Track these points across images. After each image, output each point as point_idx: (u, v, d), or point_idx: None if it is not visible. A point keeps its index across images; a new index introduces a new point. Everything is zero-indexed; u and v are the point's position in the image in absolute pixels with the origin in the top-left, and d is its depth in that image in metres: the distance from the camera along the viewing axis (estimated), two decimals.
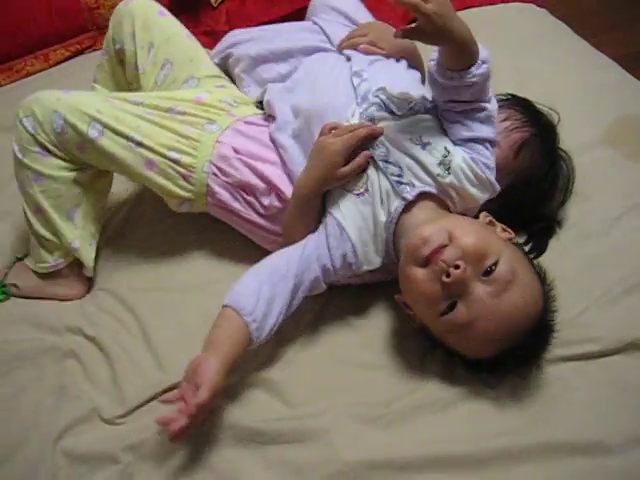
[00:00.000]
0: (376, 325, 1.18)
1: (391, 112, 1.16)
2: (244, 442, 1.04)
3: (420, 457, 0.99)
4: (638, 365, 1.05)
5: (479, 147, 1.12)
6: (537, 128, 1.26)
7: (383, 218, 1.11)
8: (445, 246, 1.00)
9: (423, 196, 1.12)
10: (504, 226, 1.12)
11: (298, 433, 1.03)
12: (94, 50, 1.76)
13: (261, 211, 1.22)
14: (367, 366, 1.12)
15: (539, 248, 1.22)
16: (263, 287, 1.07)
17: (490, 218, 1.12)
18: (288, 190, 1.19)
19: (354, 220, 1.12)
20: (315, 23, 1.44)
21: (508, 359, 1.02)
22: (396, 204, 1.11)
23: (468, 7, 1.74)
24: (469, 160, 1.11)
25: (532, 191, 1.23)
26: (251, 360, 1.13)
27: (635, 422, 0.99)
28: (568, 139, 1.32)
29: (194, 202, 1.26)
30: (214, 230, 1.33)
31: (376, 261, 1.13)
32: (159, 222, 1.39)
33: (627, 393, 1.03)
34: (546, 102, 1.41)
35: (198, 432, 1.03)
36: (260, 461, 1.02)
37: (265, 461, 1.02)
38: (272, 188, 1.21)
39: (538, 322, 1.01)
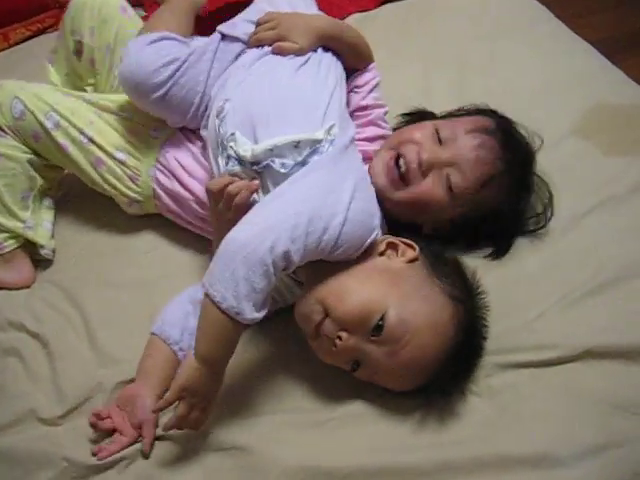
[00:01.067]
0: None
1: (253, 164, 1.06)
2: (183, 450, 1.01)
3: (362, 467, 0.94)
4: (593, 374, 1.00)
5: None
6: (510, 164, 1.11)
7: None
8: (324, 319, 0.97)
9: None
10: (407, 242, 1.05)
11: (237, 439, 1.00)
12: (56, 30, 1.69)
13: (202, 217, 1.22)
14: (312, 369, 1.08)
15: (500, 253, 1.16)
16: (189, 318, 1.09)
17: (389, 240, 1.05)
18: None
19: None
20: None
21: (431, 388, 0.99)
22: None
23: None
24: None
25: (492, 221, 1.13)
26: None
27: (587, 433, 0.94)
28: (540, 129, 1.25)
29: (144, 204, 1.28)
30: (168, 227, 1.30)
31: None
32: (113, 216, 1.34)
33: (581, 403, 0.98)
34: (517, 88, 1.36)
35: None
36: (199, 470, 0.99)
37: (203, 469, 0.99)
38: (200, 202, 1.20)
39: (453, 351, 0.97)
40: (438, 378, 0.97)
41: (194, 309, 1.07)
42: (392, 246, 1.04)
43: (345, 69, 1.23)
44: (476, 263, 1.14)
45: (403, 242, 1.05)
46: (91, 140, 1.23)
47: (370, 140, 1.20)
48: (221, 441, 1.00)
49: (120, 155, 1.24)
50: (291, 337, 1.10)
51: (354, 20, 1.69)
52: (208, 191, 1.05)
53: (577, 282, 1.10)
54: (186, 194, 1.22)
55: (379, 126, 1.22)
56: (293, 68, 1.16)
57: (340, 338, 0.95)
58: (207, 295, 0.92)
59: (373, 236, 1.03)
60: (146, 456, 1.00)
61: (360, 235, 1.00)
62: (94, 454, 1.00)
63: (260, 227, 0.94)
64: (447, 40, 1.60)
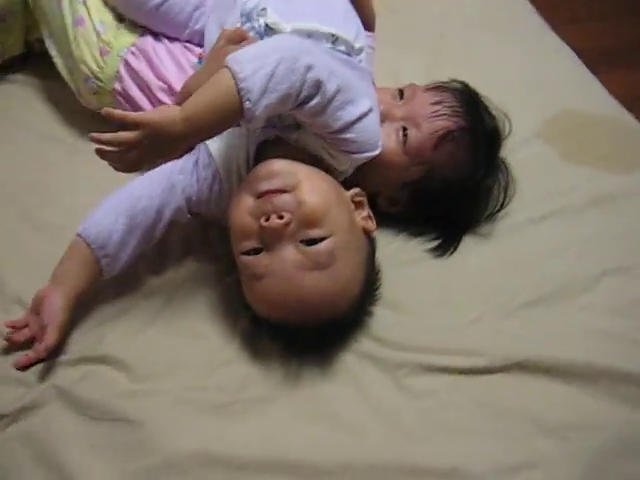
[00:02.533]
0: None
1: None
2: (75, 413, 0.92)
3: (258, 458, 0.87)
4: (519, 388, 0.94)
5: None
6: (470, 123, 1.08)
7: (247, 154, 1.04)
8: (285, 192, 0.92)
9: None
10: (371, 214, 1.02)
11: (131, 412, 0.91)
12: None
13: None
14: (225, 347, 1.00)
15: (446, 249, 1.10)
16: (119, 219, 1.00)
17: (361, 199, 1.02)
18: None
19: (226, 150, 1.04)
20: None
21: (291, 335, 0.96)
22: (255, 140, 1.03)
23: None
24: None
25: (448, 192, 1.08)
26: (91, 330, 1.01)
27: (503, 450, 0.88)
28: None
29: (101, 86, 1.22)
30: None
31: None
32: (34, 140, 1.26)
33: (501, 417, 0.92)
34: (488, 81, 1.28)
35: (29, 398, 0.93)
36: (87, 436, 0.90)
37: (91, 437, 0.90)
38: (167, 90, 1.17)
39: (333, 317, 0.94)
40: (306, 331, 0.95)
41: (128, 211, 1.01)
42: (359, 204, 1.01)
43: None
44: (418, 255, 1.10)
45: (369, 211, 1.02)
46: (84, 2, 1.22)
47: None
48: (110, 409, 0.92)
49: (100, 27, 1.21)
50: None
51: None
52: (223, 32, 1.03)
53: (518, 291, 1.05)
54: (154, 79, 1.18)
55: None
56: None
57: (281, 217, 0.90)
58: (229, 68, 0.87)
59: (373, 152, 1.01)
60: (40, 360, 0.94)
61: (369, 136, 1.00)
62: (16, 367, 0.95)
63: (305, 48, 0.92)
64: (424, 23, 1.52)
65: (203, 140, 0.97)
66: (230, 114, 0.88)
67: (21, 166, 1.24)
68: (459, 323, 1.01)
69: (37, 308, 0.97)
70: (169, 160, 0.97)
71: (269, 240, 0.91)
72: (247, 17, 1.07)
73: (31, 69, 1.38)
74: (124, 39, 1.22)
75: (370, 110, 0.99)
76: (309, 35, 1.03)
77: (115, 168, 0.91)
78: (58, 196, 1.19)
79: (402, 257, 1.10)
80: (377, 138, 1.02)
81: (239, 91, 0.86)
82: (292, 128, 1.01)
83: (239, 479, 0.86)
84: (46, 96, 1.35)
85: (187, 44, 1.22)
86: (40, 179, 1.21)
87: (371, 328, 1.02)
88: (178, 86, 1.13)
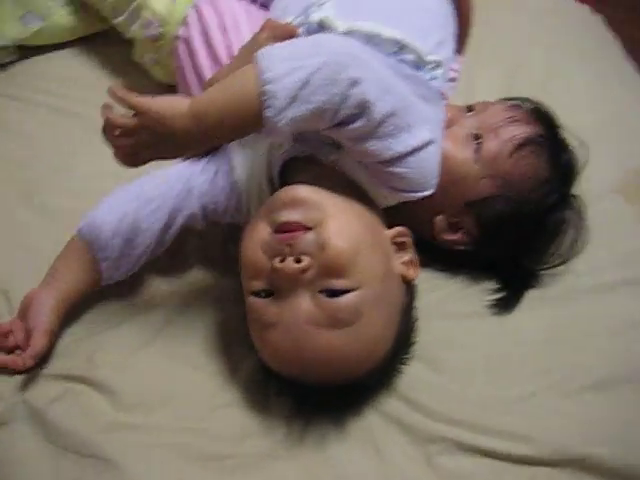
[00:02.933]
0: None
1: None
2: (44, 438, 0.79)
3: None
4: None
5: None
6: (549, 136, 0.95)
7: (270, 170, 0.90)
8: (308, 229, 0.76)
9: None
10: (415, 259, 0.85)
11: (107, 449, 0.77)
12: None
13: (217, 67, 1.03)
14: (229, 385, 0.86)
15: (509, 304, 0.94)
16: (125, 220, 0.88)
17: (405, 239, 0.85)
18: None
19: (249, 162, 0.91)
20: None
21: (301, 392, 0.81)
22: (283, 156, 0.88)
23: None
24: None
25: (519, 218, 0.92)
26: (80, 342, 0.88)
27: None
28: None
29: (163, 32, 1.09)
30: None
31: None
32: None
33: None
34: (568, 114, 1.13)
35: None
36: (51, 469, 0.77)
37: (56, 471, 0.77)
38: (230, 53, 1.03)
39: (352, 380, 0.79)
40: (310, 388, 0.80)
41: (136, 212, 0.89)
42: (402, 245, 0.85)
43: None
44: (468, 308, 0.95)
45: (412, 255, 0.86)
46: None
47: None
48: (84, 441, 0.78)
49: None
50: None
51: None
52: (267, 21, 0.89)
53: (581, 368, 0.88)
54: (219, 34, 1.05)
55: None
56: None
57: (298, 261, 0.74)
58: (256, 63, 0.72)
59: (425, 193, 0.84)
60: (21, 372, 0.82)
61: (424, 174, 0.83)
62: None
63: (356, 55, 0.75)
64: (501, 37, 1.36)
65: (211, 145, 0.83)
66: (246, 120, 0.73)
67: (32, 141, 1.12)
68: (507, 397, 0.86)
69: (24, 311, 0.85)
70: (170, 159, 0.82)
71: (282, 285, 0.76)
72: (303, 11, 0.91)
73: None
74: None
75: (430, 142, 0.81)
76: (368, 39, 0.85)
77: (115, 158, 0.78)
78: (67, 176, 1.06)
79: (448, 307, 0.95)
80: (433, 175, 0.84)
81: (261, 94, 0.71)
82: (330, 147, 0.85)
83: None
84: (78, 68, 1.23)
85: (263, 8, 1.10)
86: (51, 157, 1.09)
87: (401, 384, 0.86)
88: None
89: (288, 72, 0.71)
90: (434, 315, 0.91)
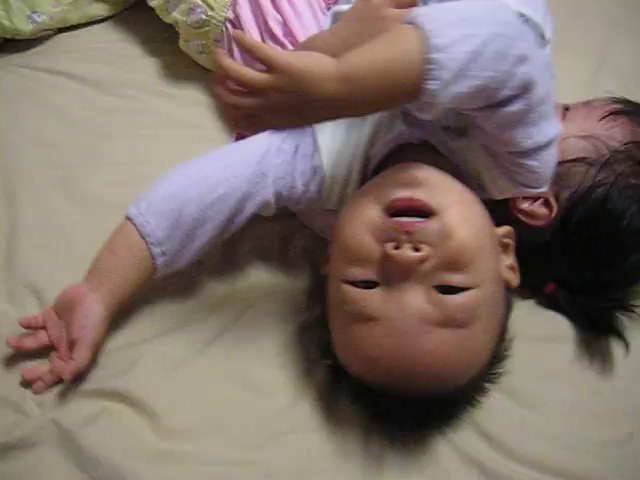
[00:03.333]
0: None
1: None
2: (74, 465, 0.69)
3: None
4: None
5: None
6: None
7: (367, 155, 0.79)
8: (429, 211, 0.67)
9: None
10: (516, 264, 0.75)
11: None
12: None
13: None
14: (290, 408, 0.75)
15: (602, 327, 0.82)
16: (187, 208, 0.77)
17: (510, 241, 0.76)
18: None
19: (339, 144, 0.79)
20: None
21: (382, 406, 0.71)
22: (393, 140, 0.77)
23: None
24: None
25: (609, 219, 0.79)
26: (120, 351, 0.77)
27: None
28: None
29: (209, 17, 0.99)
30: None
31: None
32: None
33: None
34: None
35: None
36: None
37: None
38: (290, 33, 0.94)
39: (444, 393, 0.69)
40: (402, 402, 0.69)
41: (200, 199, 0.77)
42: (506, 247, 0.76)
43: None
44: (554, 332, 0.83)
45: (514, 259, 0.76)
46: None
47: None
48: (119, 473, 0.68)
49: None
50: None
51: None
52: None
53: None
54: (271, 8, 0.95)
55: None
56: None
57: (417, 250, 0.65)
58: (420, 26, 0.61)
59: (540, 190, 0.74)
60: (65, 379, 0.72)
61: (548, 170, 0.72)
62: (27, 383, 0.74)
63: (524, 31, 0.66)
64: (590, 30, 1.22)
65: (353, 115, 0.70)
66: (403, 90, 0.62)
67: (69, 120, 1.02)
68: (600, 439, 0.75)
69: (64, 309, 0.75)
70: (295, 128, 0.72)
71: (392, 275, 0.66)
72: None
73: None
74: None
75: (559, 135, 0.71)
76: None
77: (227, 117, 0.66)
78: (103, 163, 0.97)
79: (532, 331, 0.83)
80: (551, 174, 0.74)
81: (427, 62, 0.60)
82: (451, 133, 0.75)
83: None
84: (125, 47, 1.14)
85: None
86: (88, 139, 0.99)
87: (482, 416, 0.76)
88: (295, 25, 0.93)
89: (459, 40, 0.60)
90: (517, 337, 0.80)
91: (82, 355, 0.72)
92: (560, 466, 0.72)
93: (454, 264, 0.66)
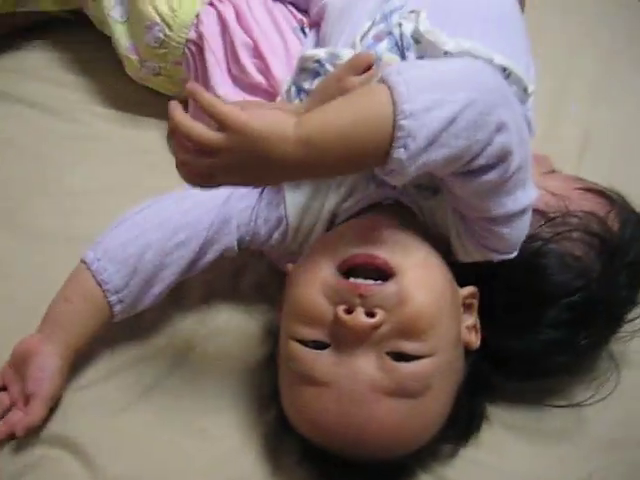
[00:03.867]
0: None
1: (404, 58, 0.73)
2: None
3: None
4: None
5: None
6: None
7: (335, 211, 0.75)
8: (388, 271, 0.64)
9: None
10: (478, 324, 0.72)
11: None
12: None
13: (235, 72, 0.92)
14: (237, 455, 0.72)
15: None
16: (148, 253, 0.74)
17: (473, 301, 0.72)
18: (278, 69, 0.88)
19: (305, 196, 0.76)
20: None
21: (327, 467, 0.68)
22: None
23: None
24: None
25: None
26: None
27: None
28: None
29: (167, 37, 0.95)
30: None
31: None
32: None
33: None
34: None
35: None
36: None
37: None
38: (258, 55, 0.91)
39: (393, 459, 0.66)
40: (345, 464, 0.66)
41: (160, 244, 0.74)
42: (469, 308, 0.72)
43: None
44: None
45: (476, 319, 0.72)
46: None
47: None
48: None
49: None
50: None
51: None
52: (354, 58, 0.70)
53: None
54: (239, 31, 0.92)
55: None
56: None
57: (371, 315, 0.62)
58: (391, 88, 0.57)
59: (509, 256, 0.69)
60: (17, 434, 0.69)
61: (519, 237, 0.68)
62: None
63: (505, 93, 0.62)
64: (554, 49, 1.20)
65: (313, 179, 0.69)
66: (368, 157, 0.58)
67: (17, 150, 0.99)
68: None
69: (19, 363, 0.72)
70: (252, 187, 0.70)
71: (344, 339, 0.63)
72: (384, 17, 0.76)
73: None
74: None
75: (532, 204, 0.67)
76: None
77: (179, 172, 0.61)
78: (56, 193, 0.94)
79: None
80: (521, 241, 0.69)
81: (397, 129, 0.56)
82: (427, 191, 0.72)
83: None
84: (67, 67, 1.10)
85: (290, 5, 0.97)
86: (37, 168, 0.96)
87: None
88: (266, 48, 0.90)
89: (431, 106, 0.56)
90: None
91: (36, 410, 0.69)
92: None
93: (409, 331, 0.63)
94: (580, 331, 0.72)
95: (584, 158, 1.02)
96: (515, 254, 0.69)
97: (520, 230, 0.67)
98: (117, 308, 0.74)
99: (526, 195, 0.64)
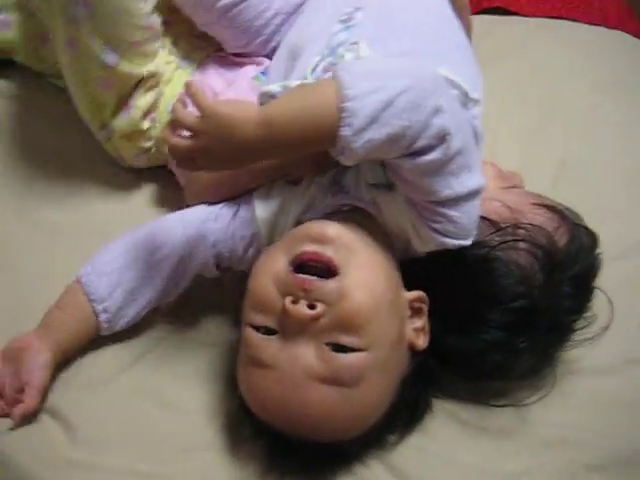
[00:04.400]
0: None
1: None
2: None
3: None
4: None
5: None
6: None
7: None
8: (331, 272, 0.71)
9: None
10: (427, 327, 0.77)
11: None
12: None
13: None
14: (201, 428, 0.80)
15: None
16: (131, 269, 0.83)
17: (422, 305, 0.78)
18: None
19: (275, 212, 0.83)
20: None
21: (270, 438, 0.75)
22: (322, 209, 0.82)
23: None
24: None
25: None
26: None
27: None
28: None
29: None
30: None
31: None
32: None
33: None
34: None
35: None
36: None
37: None
38: None
39: (336, 442, 0.73)
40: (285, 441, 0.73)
41: (143, 259, 0.83)
42: (417, 311, 0.78)
43: None
44: None
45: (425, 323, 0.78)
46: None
47: None
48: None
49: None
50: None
51: None
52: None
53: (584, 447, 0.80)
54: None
55: None
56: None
57: (312, 307, 0.69)
58: (337, 78, 0.68)
59: (465, 242, 0.76)
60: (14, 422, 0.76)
61: (471, 221, 0.75)
62: None
63: (440, 84, 0.72)
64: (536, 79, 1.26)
65: (271, 158, 0.76)
66: (320, 136, 0.68)
67: None
68: (499, 470, 0.78)
69: (11, 357, 0.80)
70: (225, 169, 0.78)
71: (288, 327, 0.70)
72: (331, 51, 0.85)
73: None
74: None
75: (480, 189, 0.75)
76: None
77: (171, 155, 0.74)
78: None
79: None
80: (474, 226, 0.76)
81: (341, 111, 0.66)
82: (382, 189, 0.79)
83: None
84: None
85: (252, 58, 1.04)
86: None
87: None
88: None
89: (371, 91, 0.66)
90: None
91: (32, 398, 0.76)
92: None
93: (347, 325, 0.69)
94: (519, 335, 0.77)
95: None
96: (469, 241, 0.76)
97: (470, 215, 0.74)
98: (102, 317, 0.82)
99: (472, 179, 0.73)
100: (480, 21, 1.35)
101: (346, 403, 0.70)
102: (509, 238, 0.79)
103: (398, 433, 0.79)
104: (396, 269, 0.78)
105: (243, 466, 0.76)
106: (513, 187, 0.91)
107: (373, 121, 0.66)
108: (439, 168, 0.70)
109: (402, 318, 0.75)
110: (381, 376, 0.72)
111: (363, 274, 0.72)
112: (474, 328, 0.78)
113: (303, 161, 0.79)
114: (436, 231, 0.75)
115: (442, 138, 0.68)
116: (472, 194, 0.73)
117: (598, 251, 0.84)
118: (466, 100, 0.81)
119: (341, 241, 0.73)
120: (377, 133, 0.66)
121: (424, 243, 0.78)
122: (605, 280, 0.86)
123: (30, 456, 0.74)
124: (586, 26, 1.34)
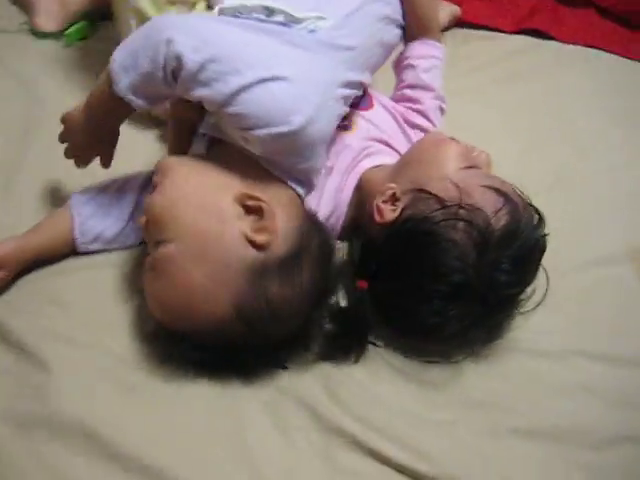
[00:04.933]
0: None
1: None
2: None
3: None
4: None
5: None
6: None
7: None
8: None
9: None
10: (275, 227, 0.84)
11: (49, 354, 0.87)
12: None
13: None
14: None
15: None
16: (108, 189, 1.03)
17: (257, 204, 0.86)
18: None
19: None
20: None
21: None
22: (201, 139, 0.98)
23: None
24: None
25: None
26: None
27: None
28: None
29: None
30: None
31: None
32: None
33: None
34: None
35: None
36: None
37: None
38: None
39: (203, 334, 0.84)
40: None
41: (119, 185, 1.04)
42: (254, 210, 0.86)
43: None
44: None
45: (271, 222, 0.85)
46: None
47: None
48: (24, 340, 0.88)
49: None
50: None
51: None
52: None
53: (516, 412, 0.89)
54: None
55: (427, 118, 1.16)
56: None
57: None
58: (112, 69, 0.88)
59: (280, 129, 0.83)
60: None
61: (267, 108, 0.83)
62: None
63: (176, 23, 0.87)
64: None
65: (104, 129, 0.96)
66: (108, 99, 0.89)
67: None
68: (427, 418, 0.87)
69: None
70: (96, 152, 0.99)
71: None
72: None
73: None
74: None
75: (276, 78, 0.83)
76: (238, 12, 0.95)
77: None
78: None
79: None
80: (286, 112, 0.82)
81: (109, 73, 0.87)
82: (212, 117, 0.95)
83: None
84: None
85: None
86: None
87: (334, 380, 0.89)
88: None
89: (124, 53, 0.87)
90: None
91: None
92: (381, 426, 0.85)
93: (155, 223, 0.85)
94: (451, 303, 0.86)
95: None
96: (285, 128, 0.82)
97: (259, 103, 0.82)
98: (76, 221, 0.98)
99: (242, 77, 0.82)
100: (515, 40, 1.48)
101: (168, 287, 0.83)
102: (451, 217, 0.87)
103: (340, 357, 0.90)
104: (238, 177, 0.87)
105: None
106: (472, 167, 0.95)
107: (126, 69, 0.85)
108: (192, 81, 0.83)
109: (220, 215, 0.84)
110: (199, 264, 0.82)
111: (171, 181, 0.87)
112: (414, 292, 0.88)
113: (186, 107, 0.95)
114: (238, 129, 0.85)
115: (179, 60, 0.82)
116: (244, 87, 0.82)
117: (542, 231, 0.92)
118: (293, 20, 0.94)
119: (162, 165, 0.90)
120: (133, 76, 0.85)
121: (251, 144, 0.86)
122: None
123: (26, 321, 0.90)
124: (618, 58, 1.42)
